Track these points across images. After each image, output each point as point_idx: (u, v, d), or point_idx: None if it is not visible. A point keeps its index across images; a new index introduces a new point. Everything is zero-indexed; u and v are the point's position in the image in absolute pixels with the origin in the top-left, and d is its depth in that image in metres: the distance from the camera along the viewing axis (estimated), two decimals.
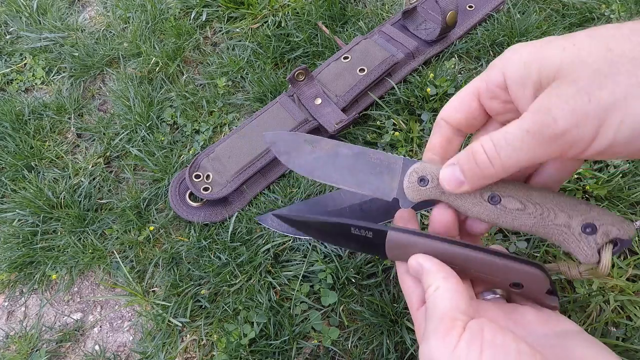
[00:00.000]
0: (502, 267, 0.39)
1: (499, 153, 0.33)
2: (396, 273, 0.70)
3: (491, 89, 0.37)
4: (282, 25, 1.02)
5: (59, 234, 0.85)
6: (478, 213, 0.40)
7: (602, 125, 0.29)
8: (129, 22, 1.13)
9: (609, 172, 0.70)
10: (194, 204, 0.81)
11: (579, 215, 0.37)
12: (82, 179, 0.89)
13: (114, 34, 1.12)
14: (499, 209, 0.39)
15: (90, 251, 0.81)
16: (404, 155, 0.79)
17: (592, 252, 0.38)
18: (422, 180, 0.41)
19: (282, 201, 0.79)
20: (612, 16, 0.86)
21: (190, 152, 0.88)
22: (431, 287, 0.37)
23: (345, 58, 0.87)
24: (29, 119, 1.00)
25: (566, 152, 0.31)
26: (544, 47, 0.33)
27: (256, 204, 0.81)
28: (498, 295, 0.43)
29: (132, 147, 0.91)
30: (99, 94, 1.06)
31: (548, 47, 0.32)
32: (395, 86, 0.86)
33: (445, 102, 0.82)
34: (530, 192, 0.39)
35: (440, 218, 0.42)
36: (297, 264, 0.73)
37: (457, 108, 0.40)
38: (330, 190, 0.79)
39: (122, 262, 0.79)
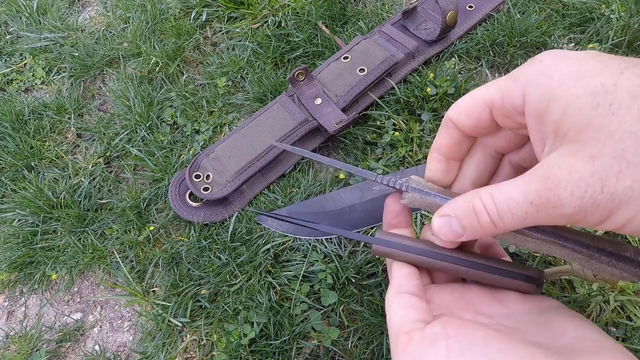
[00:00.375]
0: (490, 280, 0.39)
1: (502, 218, 0.31)
2: None
3: (507, 108, 0.33)
4: (282, 25, 1.02)
5: (59, 234, 0.85)
6: None
7: (611, 215, 0.26)
8: (129, 22, 1.13)
9: None
10: (194, 204, 0.81)
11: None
12: (82, 179, 0.89)
13: (114, 34, 1.12)
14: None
15: (90, 251, 0.81)
16: (404, 155, 0.79)
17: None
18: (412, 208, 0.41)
19: (282, 201, 0.79)
20: (612, 16, 0.86)
21: (190, 152, 0.88)
22: (387, 302, 0.37)
23: (345, 58, 0.87)
24: (29, 119, 1.00)
25: (573, 224, 0.29)
26: (579, 83, 0.27)
27: (256, 204, 0.81)
28: None
29: (132, 147, 0.91)
30: (99, 94, 1.06)
31: (582, 86, 0.27)
32: (395, 86, 0.86)
33: (446, 103, 0.82)
34: (525, 242, 0.37)
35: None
36: (297, 264, 0.73)
37: (467, 113, 0.36)
38: (331, 190, 0.79)
39: (122, 262, 0.79)
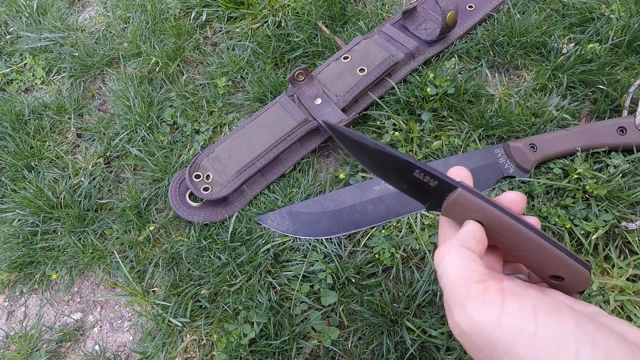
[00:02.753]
0: (557, 257, 0.37)
1: None
2: (396, 274, 0.70)
3: None
4: (282, 25, 1.02)
5: (59, 234, 0.85)
6: None
7: None
8: (129, 22, 1.13)
9: (609, 172, 0.70)
10: (194, 204, 0.81)
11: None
12: (82, 179, 0.89)
13: (114, 34, 1.12)
14: None
15: (90, 251, 0.81)
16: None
17: None
18: None
19: (282, 201, 0.79)
20: (612, 16, 0.86)
21: (190, 152, 0.88)
22: (444, 252, 0.36)
23: (345, 58, 0.87)
24: (29, 119, 1.00)
25: None
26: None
27: (256, 204, 0.81)
28: (522, 277, 0.42)
29: (132, 147, 0.91)
30: (99, 94, 1.06)
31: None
32: (395, 86, 0.86)
33: (446, 103, 0.82)
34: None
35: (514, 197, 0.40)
36: (297, 264, 0.73)
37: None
38: (331, 190, 0.79)
39: (122, 262, 0.79)
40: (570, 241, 0.68)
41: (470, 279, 0.33)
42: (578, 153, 0.72)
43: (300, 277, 0.71)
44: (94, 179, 0.90)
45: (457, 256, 0.35)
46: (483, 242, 0.37)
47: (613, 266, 0.65)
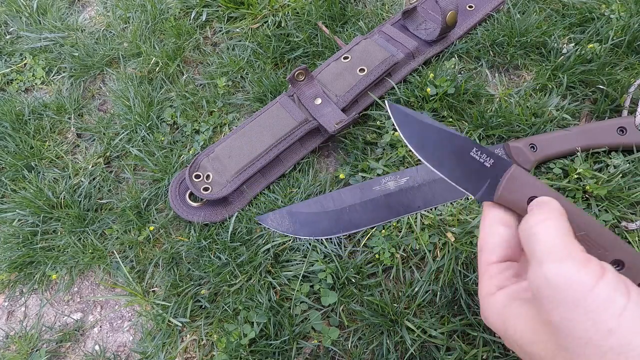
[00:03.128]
0: (617, 240, 0.38)
1: None
2: (396, 274, 0.70)
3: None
4: (282, 25, 1.02)
5: (59, 234, 0.85)
6: None
7: None
8: (129, 22, 1.13)
9: (609, 172, 0.70)
10: (194, 204, 0.81)
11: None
12: (82, 179, 0.89)
13: (114, 34, 1.12)
14: None
15: (90, 251, 0.81)
16: (404, 155, 0.79)
17: None
18: None
19: (282, 201, 0.79)
20: (612, 16, 0.86)
21: (190, 152, 0.88)
22: (544, 217, 0.37)
23: (345, 58, 0.87)
24: (29, 119, 1.00)
25: None
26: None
27: (256, 204, 0.81)
28: None
29: (132, 147, 0.91)
30: (99, 94, 1.06)
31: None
32: (395, 86, 0.86)
33: (446, 103, 0.82)
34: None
35: None
36: (297, 264, 0.73)
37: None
38: (331, 190, 0.79)
39: (122, 262, 0.79)
40: None
41: (573, 247, 0.34)
42: (578, 153, 0.72)
43: (300, 277, 0.71)
44: (94, 179, 0.90)
45: (559, 223, 0.36)
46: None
47: None
